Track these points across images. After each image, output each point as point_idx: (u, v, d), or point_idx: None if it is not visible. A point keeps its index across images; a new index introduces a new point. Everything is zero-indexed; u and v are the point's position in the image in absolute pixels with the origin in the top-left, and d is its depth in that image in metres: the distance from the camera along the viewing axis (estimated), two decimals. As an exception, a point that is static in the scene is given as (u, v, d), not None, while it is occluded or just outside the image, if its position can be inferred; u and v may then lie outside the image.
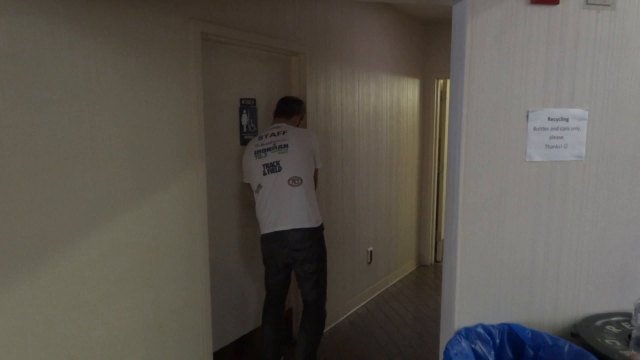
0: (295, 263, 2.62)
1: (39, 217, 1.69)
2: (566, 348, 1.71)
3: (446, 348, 1.74)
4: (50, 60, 1.68)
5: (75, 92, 1.77)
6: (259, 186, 2.61)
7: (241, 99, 2.73)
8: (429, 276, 4.87)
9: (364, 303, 4.03)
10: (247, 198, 2.79)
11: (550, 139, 1.84)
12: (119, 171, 1.95)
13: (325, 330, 3.25)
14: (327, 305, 2.80)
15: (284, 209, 2.55)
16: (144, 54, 2.02)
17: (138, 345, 2.09)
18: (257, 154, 2.61)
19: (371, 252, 4.11)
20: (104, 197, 1.90)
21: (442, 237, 5.30)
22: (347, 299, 3.78)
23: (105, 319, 1.94)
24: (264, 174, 2.58)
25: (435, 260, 5.27)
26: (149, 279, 2.12)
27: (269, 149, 2.59)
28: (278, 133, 2.63)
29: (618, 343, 1.72)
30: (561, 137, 1.84)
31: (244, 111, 2.76)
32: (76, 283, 1.83)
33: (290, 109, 2.77)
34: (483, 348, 1.82)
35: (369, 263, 4.10)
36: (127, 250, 2.01)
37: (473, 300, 1.89)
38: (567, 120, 1.83)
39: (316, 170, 2.73)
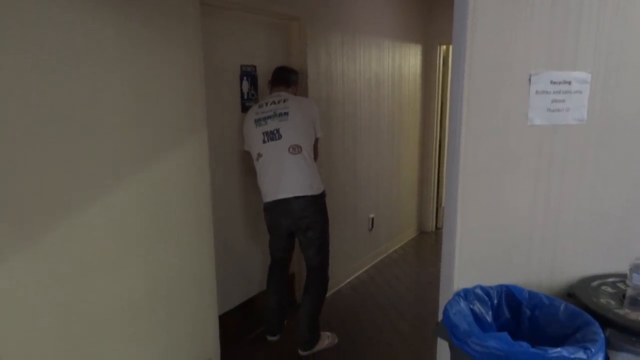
0: (298, 230, 2.66)
1: (48, 180, 1.72)
2: (562, 307, 1.75)
3: (445, 308, 1.79)
4: (53, 23, 1.67)
5: (77, 56, 1.76)
6: (259, 155, 2.61)
7: (242, 66, 2.72)
8: (429, 243, 4.93)
9: (365, 269, 4.11)
10: (248, 165, 2.80)
11: (552, 102, 1.83)
12: (123, 136, 1.97)
13: (327, 295, 3.33)
14: (329, 270, 2.86)
15: (285, 177, 2.57)
16: (144, 18, 2.00)
17: (146, 307, 2.15)
18: (257, 122, 2.60)
19: (372, 219, 4.16)
20: (108, 162, 1.92)
21: (444, 204, 5.34)
22: (348, 264, 3.85)
23: (115, 281, 2.00)
24: (264, 142, 2.59)
25: (436, 227, 5.33)
26: (155, 244, 2.16)
27: (269, 117, 2.59)
28: (279, 101, 2.62)
29: (613, 302, 1.76)
30: (563, 101, 1.83)
31: (245, 78, 2.75)
32: (86, 246, 1.87)
33: (289, 79, 2.76)
34: (481, 308, 1.87)
35: (370, 230, 4.15)
36: (133, 216, 2.04)
37: (472, 262, 1.93)
38: (569, 83, 1.82)
39: (316, 140, 2.73)
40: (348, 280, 3.85)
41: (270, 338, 2.91)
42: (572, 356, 1.43)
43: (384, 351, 2.81)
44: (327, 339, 2.84)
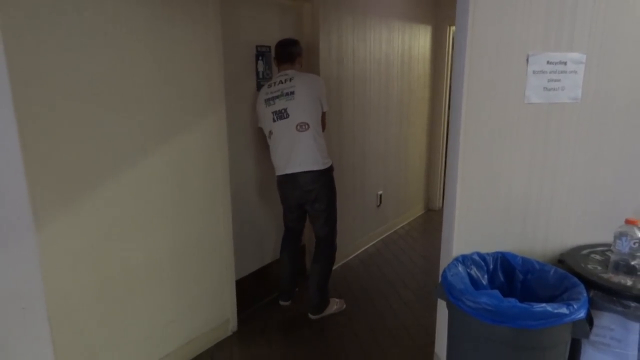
0: (306, 203, 2.83)
1: (85, 151, 1.91)
2: (552, 272, 1.90)
3: (444, 271, 1.95)
4: (86, 7, 1.83)
5: (107, 36, 1.93)
6: (270, 132, 2.78)
7: (257, 46, 2.85)
8: (436, 220, 5.08)
9: (373, 243, 4.29)
10: (262, 141, 2.97)
11: (548, 81, 1.95)
12: (150, 111, 2.14)
13: (336, 266, 3.51)
14: (339, 243, 3.04)
15: (294, 153, 2.73)
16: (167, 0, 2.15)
17: (169, 271, 2.35)
18: (267, 102, 2.76)
19: (381, 195, 4.31)
20: (139, 136, 2.10)
21: (450, 183, 5.47)
22: (357, 238, 4.02)
23: (141, 246, 2.19)
24: (274, 120, 2.75)
25: (443, 205, 5.46)
26: (177, 211, 2.35)
27: (277, 97, 2.73)
28: (285, 80, 2.75)
29: (599, 268, 1.91)
30: (559, 80, 1.96)
31: (260, 58, 2.89)
32: (115, 212, 2.07)
33: (292, 53, 2.82)
34: (477, 273, 2.03)
35: (379, 206, 4.32)
36: (158, 185, 2.23)
37: (470, 230, 2.09)
38: (565, 63, 1.94)
39: (323, 114, 2.85)
40: (356, 254, 4.04)
41: (282, 303, 3.11)
42: (556, 311, 1.59)
43: (389, 316, 3.00)
44: (335, 305, 3.04)
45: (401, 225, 4.81)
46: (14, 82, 1.65)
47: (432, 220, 5.06)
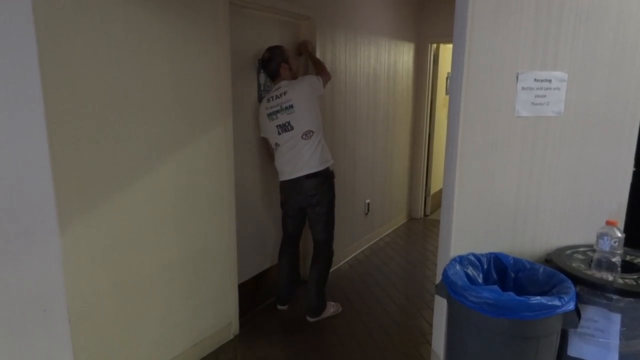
0: (309, 206, 2.96)
1: (105, 158, 2.00)
2: (541, 270, 2.09)
3: (444, 270, 2.11)
4: (111, 20, 1.94)
5: (129, 48, 2.03)
6: (277, 144, 2.91)
7: (259, 60, 2.99)
8: (418, 228, 5.28)
9: (361, 250, 4.44)
10: (264, 150, 3.09)
11: (535, 97, 2.16)
12: (164, 121, 2.24)
13: (330, 271, 3.64)
14: (334, 245, 3.17)
15: (300, 160, 2.87)
16: (183, 16, 2.26)
17: (179, 276, 2.43)
18: (270, 116, 2.89)
19: (368, 203, 4.48)
20: (152, 143, 2.20)
21: (433, 192, 5.70)
22: (347, 245, 4.17)
23: (153, 251, 2.27)
24: (279, 133, 2.88)
25: (425, 214, 5.68)
26: (186, 219, 2.44)
27: (278, 111, 2.87)
28: (281, 95, 2.87)
29: (583, 266, 2.10)
30: (544, 96, 2.17)
31: (262, 71, 3.02)
32: (131, 218, 2.15)
33: (274, 68, 2.91)
34: (473, 272, 2.20)
35: (367, 214, 4.48)
36: (168, 193, 2.32)
37: (466, 233, 2.26)
38: (550, 81, 2.16)
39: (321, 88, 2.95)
40: (347, 260, 4.17)
41: (280, 307, 3.21)
42: (550, 303, 1.76)
43: (383, 317, 3.14)
44: (332, 308, 3.16)
45: (387, 232, 4.98)
46: (46, 89, 1.73)
47: (415, 228, 5.26)
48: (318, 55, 3.40)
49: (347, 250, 4.18)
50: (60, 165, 1.82)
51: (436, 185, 5.77)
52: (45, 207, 1.79)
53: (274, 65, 2.92)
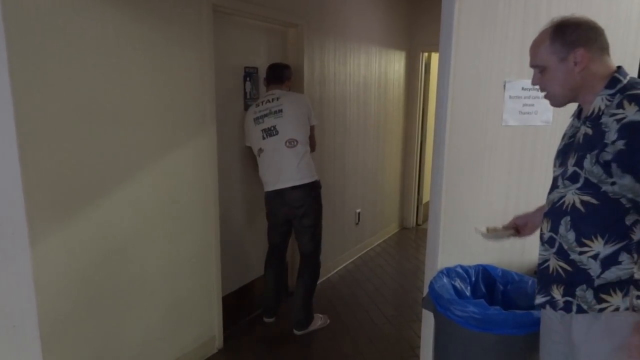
0: (295, 218, 2.90)
1: (81, 166, 1.93)
2: (530, 282, 2.04)
3: (430, 283, 2.06)
4: (89, 27, 1.89)
5: (107, 51, 1.98)
6: (260, 150, 2.86)
7: (245, 67, 2.94)
8: (410, 237, 5.23)
9: (352, 260, 4.37)
10: (250, 160, 3.04)
11: (523, 106, 2.12)
12: (147, 129, 2.18)
13: (318, 283, 3.57)
14: (320, 256, 3.11)
15: (284, 169, 2.81)
16: (165, 20, 2.22)
17: (160, 289, 2.37)
18: (256, 120, 2.84)
19: (359, 213, 4.42)
20: (132, 151, 2.14)
21: (424, 201, 5.65)
22: (337, 255, 4.10)
23: (132, 262, 2.21)
24: (263, 138, 2.83)
25: (417, 224, 5.63)
26: (168, 230, 2.37)
27: (265, 115, 2.83)
28: (273, 100, 2.85)
29: (572, 278, 2.05)
30: (532, 105, 2.13)
31: (248, 79, 2.98)
32: (108, 229, 2.08)
33: (282, 75, 2.94)
34: (461, 284, 2.14)
35: (357, 224, 4.42)
36: (150, 203, 2.26)
37: (454, 244, 2.21)
38: (537, 89, 2.11)
39: (312, 128, 2.95)
40: (336, 270, 4.11)
41: (266, 320, 3.14)
42: (537, 317, 1.71)
43: (371, 329, 3.08)
44: (319, 320, 3.09)
45: (378, 242, 4.92)
46: (16, 94, 1.66)
47: (406, 238, 5.20)
48: (306, 62, 3.36)
49: (337, 260, 4.12)
50: (32, 174, 1.75)
51: (428, 194, 5.70)
52: (14, 218, 1.72)
53: (285, 73, 2.94)
